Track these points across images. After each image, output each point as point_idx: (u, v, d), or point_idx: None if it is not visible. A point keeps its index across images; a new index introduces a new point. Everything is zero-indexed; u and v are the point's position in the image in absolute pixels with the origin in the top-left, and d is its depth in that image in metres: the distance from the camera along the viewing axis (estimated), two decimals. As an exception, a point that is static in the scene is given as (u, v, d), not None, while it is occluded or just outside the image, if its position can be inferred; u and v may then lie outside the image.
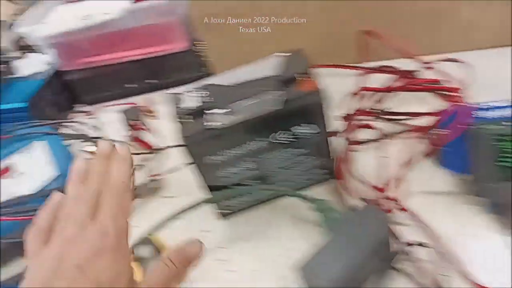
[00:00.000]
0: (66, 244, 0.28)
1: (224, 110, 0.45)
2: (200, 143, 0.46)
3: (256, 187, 0.53)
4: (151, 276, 0.31)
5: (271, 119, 0.46)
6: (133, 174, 0.35)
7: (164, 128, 0.70)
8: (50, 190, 0.59)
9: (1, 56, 0.86)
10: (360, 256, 0.39)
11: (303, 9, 0.70)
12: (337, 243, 0.41)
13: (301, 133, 0.48)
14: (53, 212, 0.31)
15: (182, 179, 0.62)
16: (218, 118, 0.45)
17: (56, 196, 0.33)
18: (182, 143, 0.46)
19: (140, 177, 0.64)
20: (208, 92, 0.48)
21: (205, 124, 0.45)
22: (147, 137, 0.71)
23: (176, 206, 0.57)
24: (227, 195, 0.52)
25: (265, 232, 0.52)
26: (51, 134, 0.68)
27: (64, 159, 0.64)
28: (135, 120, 0.73)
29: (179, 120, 0.46)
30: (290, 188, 0.52)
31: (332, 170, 0.55)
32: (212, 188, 0.51)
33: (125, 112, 0.76)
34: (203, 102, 0.47)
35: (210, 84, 0.49)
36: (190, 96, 0.48)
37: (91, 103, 0.87)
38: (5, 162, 0.64)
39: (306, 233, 0.51)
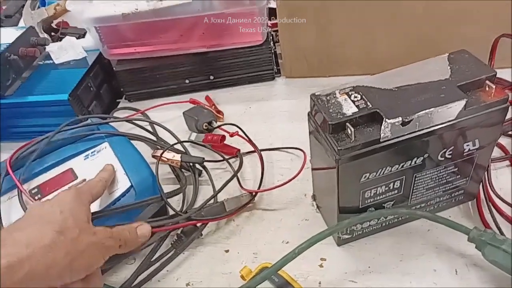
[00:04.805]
0: None
1: (397, 120, 0.36)
2: (359, 157, 0.37)
3: (392, 210, 0.44)
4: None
5: (451, 132, 0.38)
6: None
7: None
8: (123, 206, 0.48)
9: (33, 38, 0.72)
10: None
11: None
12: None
13: (469, 149, 0.40)
14: None
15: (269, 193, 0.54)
16: (389, 129, 0.36)
17: None
18: (332, 156, 0.37)
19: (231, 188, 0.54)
20: (363, 96, 0.38)
21: (370, 134, 0.36)
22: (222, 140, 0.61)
23: (274, 225, 0.50)
24: (362, 219, 0.43)
25: (399, 262, 0.44)
26: (120, 135, 0.56)
27: (135, 166, 0.52)
28: (206, 122, 0.63)
29: (331, 127, 0.37)
30: (429, 212, 0.45)
31: (472, 190, 0.47)
32: (345, 211, 0.42)
33: (188, 111, 0.66)
34: (359, 108, 0.38)
35: (363, 87, 0.40)
36: (339, 100, 0.39)
37: (136, 98, 0.76)
38: (66, 166, 0.52)
39: (457, 266, 0.43)
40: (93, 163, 0.52)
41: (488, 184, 0.48)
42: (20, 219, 0.38)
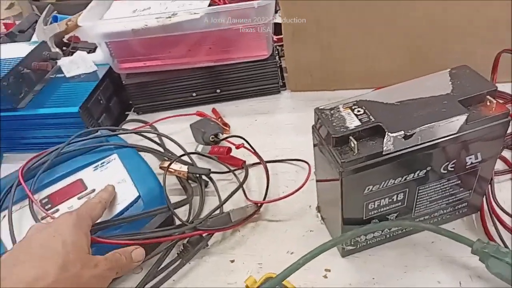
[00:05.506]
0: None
1: (400, 133, 0.37)
2: (362, 169, 0.38)
3: (396, 222, 0.45)
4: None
5: (453, 146, 0.38)
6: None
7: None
8: (131, 216, 0.49)
9: (45, 53, 0.75)
10: None
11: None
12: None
13: (472, 162, 0.41)
14: None
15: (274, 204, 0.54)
16: (391, 142, 0.37)
17: None
18: (335, 168, 0.38)
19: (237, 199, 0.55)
20: (366, 110, 0.39)
21: (373, 147, 0.37)
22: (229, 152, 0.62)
23: (279, 235, 0.51)
24: (366, 231, 0.44)
25: (403, 274, 0.44)
26: (129, 147, 0.57)
27: (143, 177, 0.53)
28: (213, 134, 0.64)
29: (334, 140, 0.38)
30: (433, 224, 0.45)
31: (475, 203, 0.47)
32: (349, 222, 0.43)
33: (195, 124, 0.67)
34: (362, 122, 0.39)
35: (366, 101, 0.41)
36: (343, 114, 0.40)
37: (145, 111, 0.77)
38: (76, 176, 0.53)
39: (461, 278, 0.43)
40: (102, 174, 0.54)
41: (491, 197, 0.48)
42: (20, 248, 0.38)
